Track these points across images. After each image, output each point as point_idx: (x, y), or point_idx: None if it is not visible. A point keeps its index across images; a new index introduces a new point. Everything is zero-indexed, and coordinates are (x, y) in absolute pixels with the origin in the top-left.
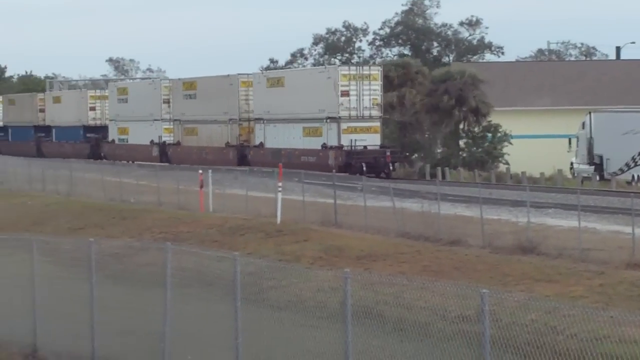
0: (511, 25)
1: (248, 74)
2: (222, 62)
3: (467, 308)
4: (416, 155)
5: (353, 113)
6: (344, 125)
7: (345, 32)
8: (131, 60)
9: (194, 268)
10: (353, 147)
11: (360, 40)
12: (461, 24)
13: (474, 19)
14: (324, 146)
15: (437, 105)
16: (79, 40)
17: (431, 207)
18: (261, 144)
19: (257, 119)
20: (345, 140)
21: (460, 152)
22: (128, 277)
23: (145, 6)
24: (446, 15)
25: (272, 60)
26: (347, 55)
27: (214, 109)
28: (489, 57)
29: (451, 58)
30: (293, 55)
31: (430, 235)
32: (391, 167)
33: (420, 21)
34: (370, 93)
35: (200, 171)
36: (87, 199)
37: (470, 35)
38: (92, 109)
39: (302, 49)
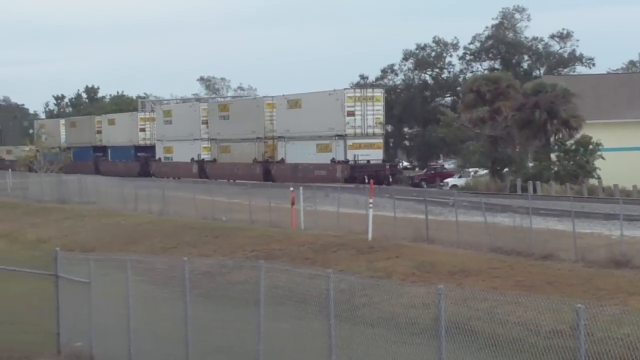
0: (602, 37)
1: (272, 97)
2: (312, 78)
3: (560, 322)
4: (507, 169)
5: (358, 131)
6: (349, 142)
7: (435, 47)
8: (222, 79)
9: (287, 286)
10: (357, 162)
11: (451, 55)
12: (552, 36)
13: (565, 31)
14: (333, 161)
15: (529, 119)
16: (171, 60)
17: (523, 221)
18: (282, 160)
19: (280, 137)
20: (351, 156)
21: (551, 166)
22: (221, 295)
23: (236, 24)
24: (537, 29)
25: (362, 77)
26: (437, 70)
27: (244, 129)
28: (579, 69)
29: (542, 71)
30: (383, 71)
31: (523, 250)
32: (390, 179)
33: (510, 35)
34: (373, 113)
35: (292, 189)
36: (179, 217)
37: (561, 48)
38: (142, 130)
39: (393, 65)
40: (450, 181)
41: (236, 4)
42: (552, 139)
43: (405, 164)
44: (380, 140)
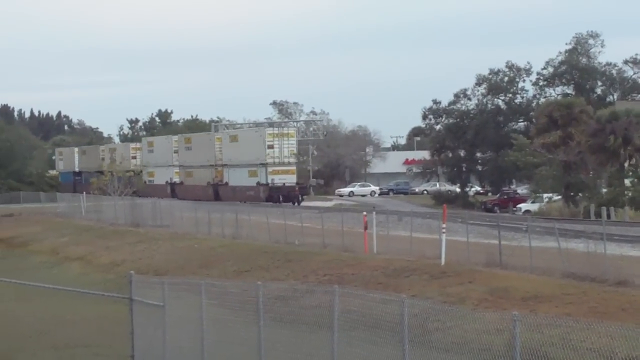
0: None
1: (219, 133)
2: (384, 102)
3: (634, 349)
4: (580, 194)
5: (276, 160)
6: (270, 169)
7: (508, 72)
8: (295, 103)
9: (359, 310)
10: (274, 184)
11: (524, 80)
12: (625, 62)
13: (638, 57)
14: (258, 183)
15: (603, 145)
16: (245, 84)
17: (597, 247)
18: (226, 183)
19: (224, 165)
20: (270, 180)
21: (625, 191)
22: (294, 319)
23: (310, 50)
24: (610, 54)
25: (434, 101)
26: (510, 95)
27: (201, 158)
28: None
29: (615, 97)
30: (456, 95)
31: (597, 276)
32: (300, 198)
33: (584, 60)
34: (288, 146)
35: (365, 213)
36: (252, 241)
37: (635, 73)
38: (134, 157)
39: (465, 89)
40: (523, 206)
41: (310, 30)
42: (625, 165)
43: (477, 189)
44: (294, 168)
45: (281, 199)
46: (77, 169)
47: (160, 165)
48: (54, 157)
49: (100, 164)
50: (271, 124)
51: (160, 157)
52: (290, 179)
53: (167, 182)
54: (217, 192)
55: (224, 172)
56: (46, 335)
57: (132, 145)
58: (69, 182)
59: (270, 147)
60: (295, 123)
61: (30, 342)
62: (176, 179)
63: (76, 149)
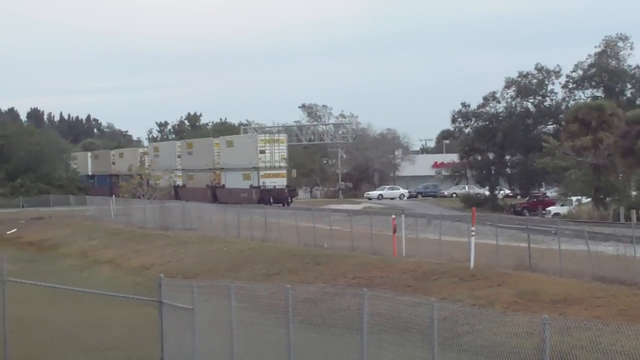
0: None
1: (217, 138)
2: (413, 105)
3: None
4: (610, 197)
5: (268, 164)
6: (262, 172)
7: (537, 75)
8: (324, 106)
9: (389, 313)
10: (265, 187)
11: (553, 83)
12: None
13: None
14: (251, 186)
15: (631, 147)
16: (274, 87)
17: (627, 250)
18: (223, 185)
19: (222, 169)
20: (262, 182)
21: None
22: (323, 322)
23: (339, 53)
24: None
25: (463, 104)
26: (539, 98)
27: (201, 162)
28: None
29: None
30: (485, 98)
31: (626, 279)
32: (289, 199)
33: (613, 63)
34: (279, 152)
35: (394, 216)
36: (281, 244)
37: None
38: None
39: (495, 92)
40: (553, 209)
41: (339, 34)
42: None
43: (506, 192)
44: (284, 171)
45: (272, 200)
46: (90, 173)
47: (165, 168)
48: (69, 162)
49: (111, 167)
50: (264, 131)
51: (165, 161)
52: (281, 182)
53: (171, 184)
54: (215, 194)
55: (221, 175)
56: (76, 338)
57: (140, 150)
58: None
59: (262, 152)
60: (279, 131)
61: (61, 345)
62: (179, 182)
63: (89, 154)
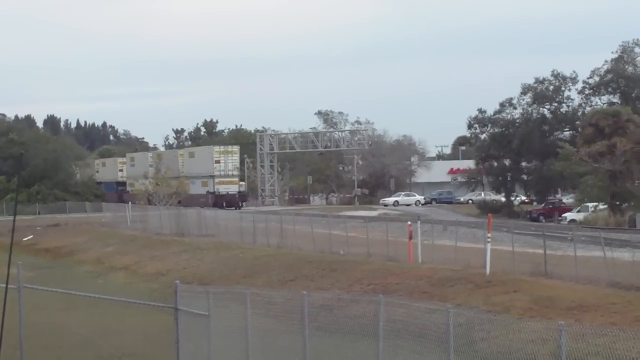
0: None
1: (181, 149)
2: (430, 111)
3: None
4: (626, 204)
5: (222, 173)
6: (217, 180)
7: (553, 81)
8: (340, 113)
9: (404, 320)
10: (219, 193)
11: (569, 89)
12: None
13: None
14: (208, 192)
15: None
16: (290, 94)
17: None
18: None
19: (186, 177)
20: (217, 189)
21: None
22: (338, 329)
23: (355, 59)
24: None
25: (480, 110)
26: (555, 104)
27: (169, 171)
28: None
29: None
30: (501, 104)
31: None
32: (240, 204)
33: (630, 69)
34: (232, 161)
35: (409, 222)
36: (297, 251)
37: None
38: (120, 170)
39: (511, 99)
40: (569, 216)
41: (355, 40)
42: None
43: (522, 198)
44: (236, 179)
45: (224, 204)
46: (97, 180)
47: (139, 177)
48: (76, 170)
49: (117, 174)
50: (220, 144)
51: (139, 170)
52: (233, 189)
53: (144, 191)
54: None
55: (185, 182)
56: (92, 345)
57: (120, 159)
58: None
59: (217, 162)
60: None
61: (77, 352)
62: (151, 189)
63: (96, 162)
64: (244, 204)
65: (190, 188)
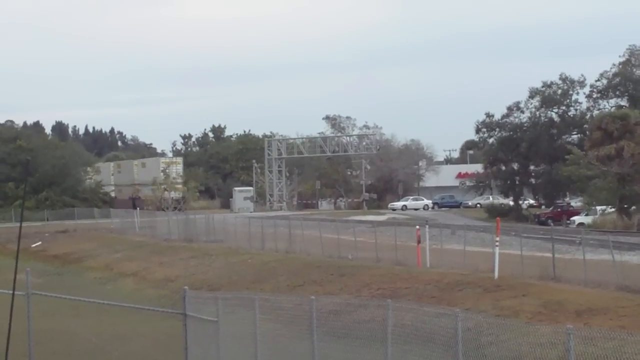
0: None
1: (136, 160)
2: (438, 116)
3: None
4: (634, 207)
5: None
6: (162, 187)
7: (561, 85)
8: (347, 118)
9: (413, 324)
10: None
11: (577, 93)
12: None
13: None
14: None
15: None
16: (298, 99)
17: None
18: (139, 197)
19: (139, 184)
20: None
21: None
22: (347, 333)
23: (363, 64)
24: None
25: (487, 114)
26: (563, 108)
27: (126, 179)
28: None
29: None
30: (509, 108)
31: None
32: (182, 207)
33: (638, 72)
34: (175, 170)
35: (418, 227)
36: (305, 256)
37: None
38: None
39: (519, 102)
40: (577, 219)
41: (362, 45)
42: None
43: (530, 202)
44: (180, 186)
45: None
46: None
47: (103, 184)
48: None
49: (110, 180)
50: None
51: (104, 178)
52: (177, 194)
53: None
54: (134, 204)
55: (138, 189)
56: (101, 351)
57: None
58: None
59: (163, 171)
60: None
61: (85, 358)
62: (113, 194)
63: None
64: (185, 207)
65: (142, 193)
